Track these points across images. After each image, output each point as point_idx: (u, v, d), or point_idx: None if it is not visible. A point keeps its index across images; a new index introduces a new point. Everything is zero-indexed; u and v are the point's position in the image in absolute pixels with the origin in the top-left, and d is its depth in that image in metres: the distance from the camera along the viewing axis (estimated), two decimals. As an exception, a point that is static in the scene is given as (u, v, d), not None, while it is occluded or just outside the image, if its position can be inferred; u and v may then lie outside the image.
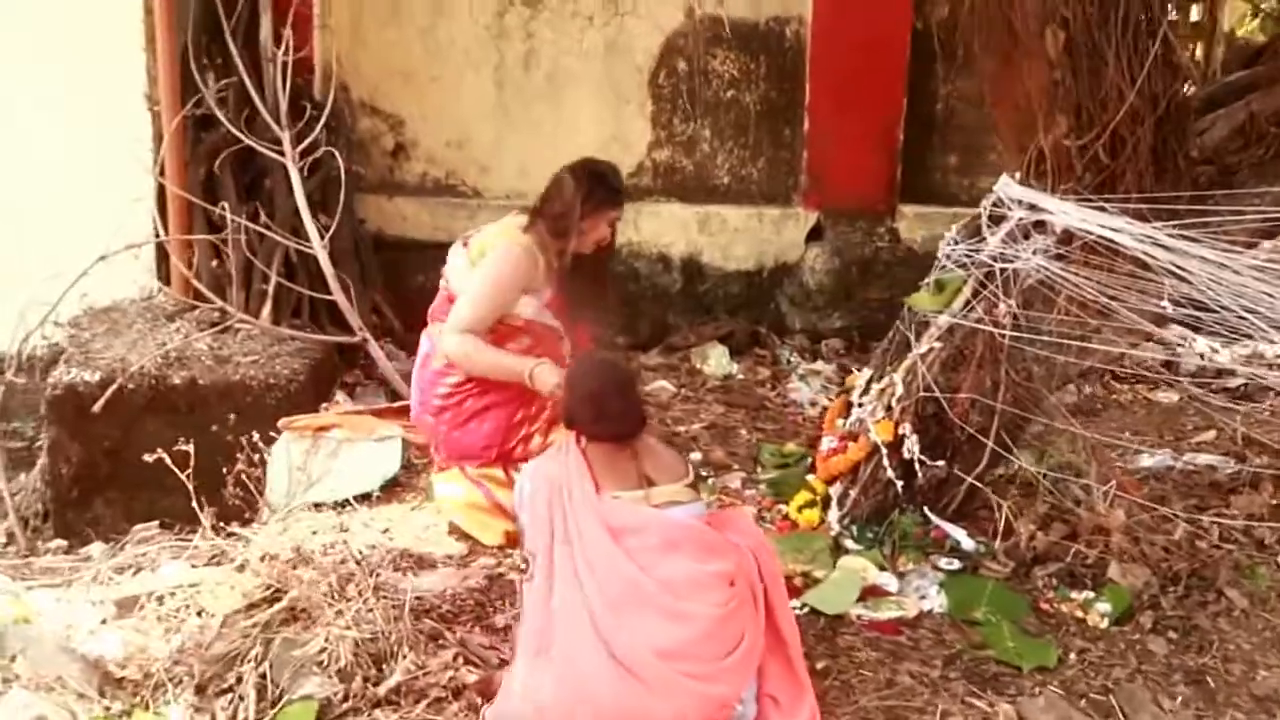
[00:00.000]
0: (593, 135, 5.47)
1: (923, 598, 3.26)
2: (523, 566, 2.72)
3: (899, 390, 3.56)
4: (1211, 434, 4.61)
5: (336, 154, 4.47)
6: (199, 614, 3.22)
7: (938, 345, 3.54)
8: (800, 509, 3.66)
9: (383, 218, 5.39)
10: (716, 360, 5.25)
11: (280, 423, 4.01)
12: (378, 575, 3.18)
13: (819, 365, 5.26)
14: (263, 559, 3.36)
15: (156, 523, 4.03)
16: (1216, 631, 3.14)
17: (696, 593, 2.52)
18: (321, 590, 3.07)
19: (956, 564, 3.41)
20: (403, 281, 5.22)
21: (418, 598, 3.11)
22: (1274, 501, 3.84)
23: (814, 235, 5.51)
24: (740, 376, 5.19)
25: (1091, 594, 3.28)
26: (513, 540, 3.41)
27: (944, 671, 2.91)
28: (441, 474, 3.72)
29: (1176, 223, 3.24)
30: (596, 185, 3.57)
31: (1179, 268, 3.24)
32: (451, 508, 3.63)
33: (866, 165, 5.43)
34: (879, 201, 5.46)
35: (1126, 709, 2.76)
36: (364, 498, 3.87)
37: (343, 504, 3.86)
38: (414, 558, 3.43)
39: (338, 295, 4.46)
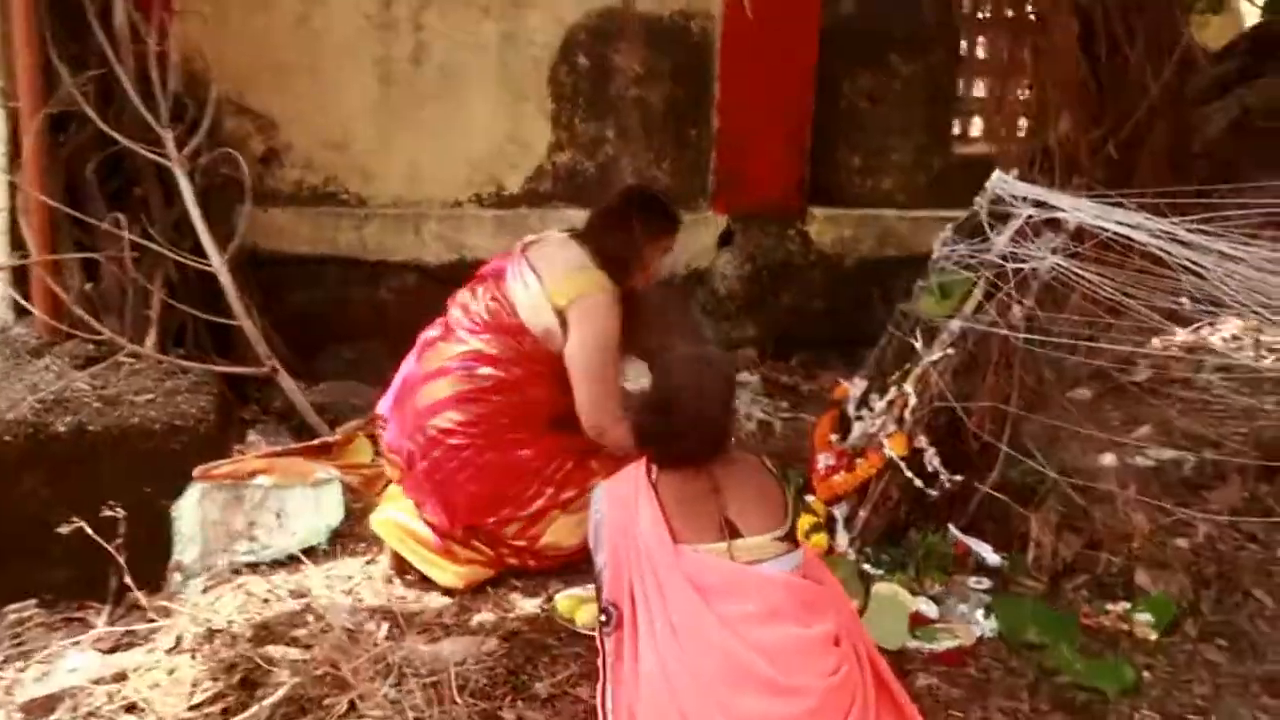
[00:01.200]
0: (488, 136, 5.05)
1: (971, 623, 3.04)
2: (603, 619, 2.32)
3: (912, 401, 3.35)
4: (1147, 428, 4.62)
5: (239, 157, 3.89)
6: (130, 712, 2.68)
7: (950, 352, 3.35)
8: (806, 534, 3.38)
9: (253, 230, 4.76)
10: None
11: (197, 471, 3.43)
12: (379, 645, 2.71)
13: (742, 376, 5.00)
14: (210, 637, 2.83)
15: (33, 601, 3.36)
16: (1259, 634, 3.06)
17: (804, 662, 2.18)
18: (316, 671, 2.58)
19: (986, 582, 3.23)
20: (279, 301, 4.65)
21: (435, 671, 2.65)
22: (1246, 493, 3.83)
23: (724, 240, 5.26)
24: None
25: (1127, 604, 3.15)
26: (471, 586, 3.09)
27: (1033, 704, 2.71)
28: (391, 498, 3.29)
29: (1193, 217, 3.14)
30: (652, 213, 3.31)
31: (1195, 263, 3.17)
32: (392, 534, 3.20)
33: (776, 166, 5.22)
34: (789, 204, 5.26)
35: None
36: (307, 553, 3.34)
37: (274, 563, 3.33)
38: (403, 620, 2.95)
39: (243, 320, 3.88)
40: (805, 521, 3.41)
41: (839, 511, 3.43)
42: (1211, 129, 3.38)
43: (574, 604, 2.97)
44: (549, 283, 3.13)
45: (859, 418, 3.52)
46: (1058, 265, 3.21)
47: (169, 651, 2.91)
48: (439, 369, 3.17)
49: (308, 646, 2.78)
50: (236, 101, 4.72)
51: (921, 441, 3.31)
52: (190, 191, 3.80)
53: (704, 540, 2.25)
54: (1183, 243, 3.16)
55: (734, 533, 2.28)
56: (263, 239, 4.72)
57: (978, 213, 3.45)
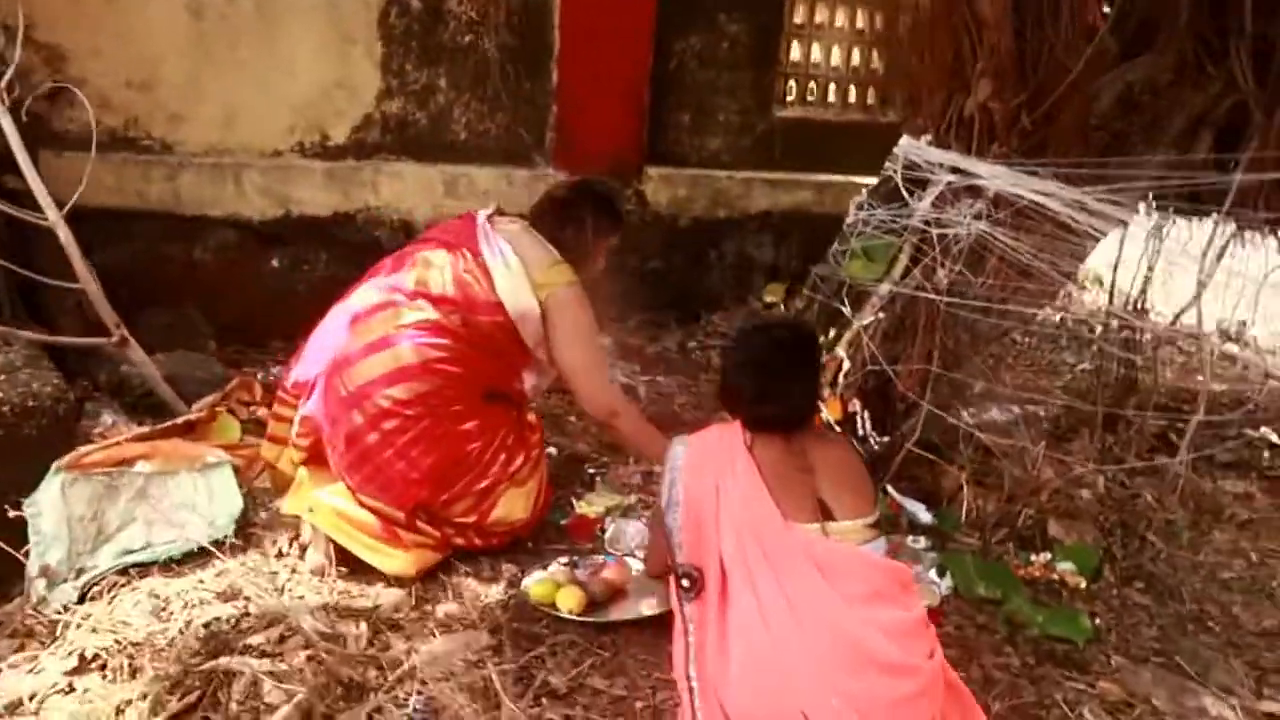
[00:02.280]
0: (313, 80, 4.60)
1: (930, 584, 3.09)
2: (685, 584, 2.20)
3: (846, 365, 3.35)
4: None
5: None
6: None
7: (881, 315, 3.37)
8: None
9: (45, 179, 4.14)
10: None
11: (65, 461, 2.93)
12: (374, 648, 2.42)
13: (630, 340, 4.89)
14: (123, 650, 2.46)
15: None
16: (1169, 576, 3.29)
17: (910, 643, 2.13)
18: (316, 681, 2.28)
19: (923, 541, 3.29)
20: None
21: (449, 673, 2.40)
22: (1098, 444, 4.11)
23: (563, 199, 5.06)
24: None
25: (1048, 555, 3.30)
26: (422, 573, 2.85)
27: (1020, 658, 2.79)
28: (325, 484, 2.95)
29: (1101, 187, 3.30)
30: (604, 211, 3.25)
31: (1099, 231, 3.37)
32: (328, 520, 2.86)
33: (616, 123, 5.07)
34: (627, 162, 5.13)
35: (1195, 668, 2.79)
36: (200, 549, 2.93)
37: (170, 562, 2.91)
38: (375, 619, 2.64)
39: (88, 282, 3.34)
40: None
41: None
42: (1103, 102, 3.55)
43: (549, 589, 2.76)
44: (534, 270, 3.00)
45: (783, 383, 3.48)
46: (984, 231, 3.28)
47: (70, 673, 2.48)
48: (383, 338, 2.87)
49: (275, 655, 2.44)
50: (16, 30, 4.03)
51: (854, 405, 3.32)
52: (15, 132, 3.22)
53: (799, 519, 2.15)
54: (1090, 210, 3.31)
55: (827, 515, 2.20)
56: (57, 189, 4.09)
57: (892, 177, 3.48)
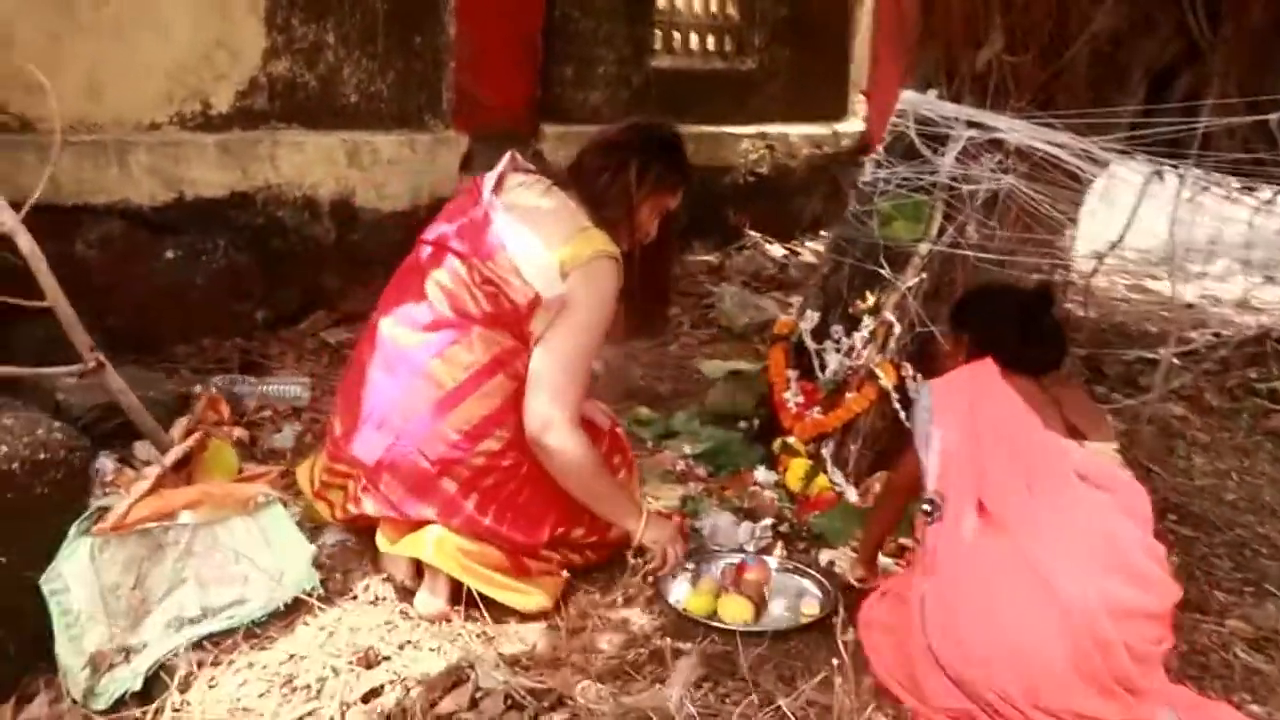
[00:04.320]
0: (191, 41, 3.97)
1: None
2: (927, 509, 2.28)
3: (897, 328, 3.28)
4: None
5: None
6: None
7: (924, 276, 3.32)
8: (803, 479, 3.20)
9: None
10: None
11: (106, 525, 2.41)
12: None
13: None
14: None
15: None
16: (1190, 504, 3.48)
17: (1158, 563, 2.23)
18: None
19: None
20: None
21: None
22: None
23: (464, 164, 4.68)
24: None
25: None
26: (555, 601, 2.54)
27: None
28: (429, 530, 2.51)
29: (1108, 137, 3.40)
30: (658, 158, 2.62)
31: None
32: (452, 561, 2.45)
33: (513, 79, 4.72)
34: (526, 120, 4.80)
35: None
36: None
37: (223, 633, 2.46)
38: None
39: (59, 300, 2.74)
40: (799, 466, 3.23)
41: (826, 451, 3.29)
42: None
43: (707, 601, 2.55)
44: (554, 246, 2.46)
45: (822, 350, 3.38)
46: (1012, 184, 3.30)
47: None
48: (452, 392, 2.45)
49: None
50: None
51: (907, 369, 3.27)
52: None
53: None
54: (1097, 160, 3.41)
55: (1078, 436, 2.32)
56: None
57: (905, 134, 3.43)
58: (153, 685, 2.36)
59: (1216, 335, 5.04)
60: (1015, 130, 3.32)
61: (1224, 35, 3.56)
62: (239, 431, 3.22)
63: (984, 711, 2.11)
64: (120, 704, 2.33)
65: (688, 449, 3.43)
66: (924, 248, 3.31)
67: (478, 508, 2.46)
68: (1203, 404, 4.34)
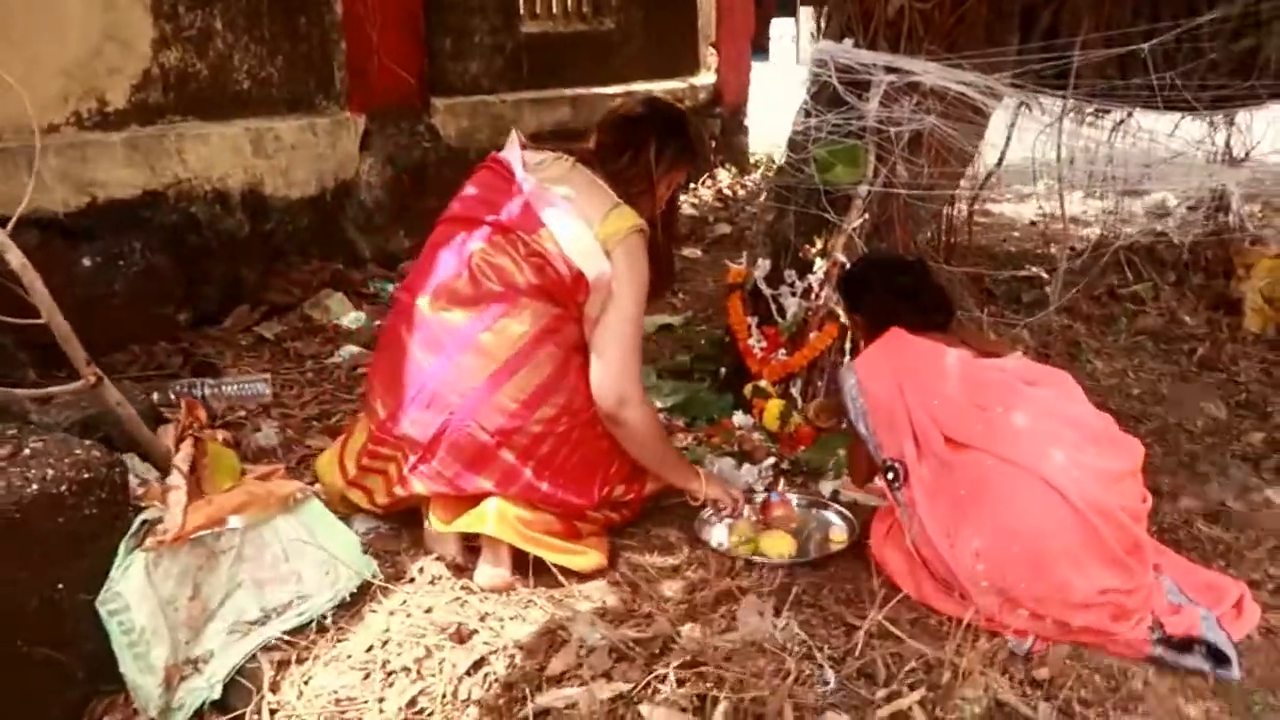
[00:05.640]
0: (81, 34, 3.79)
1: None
2: (890, 476, 2.47)
3: (848, 266, 3.49)
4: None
5: None
6: None
7: (867, 216, 3.54)
8: (779, 419, 3.39)
9: None
10: (339, 310, 4.22)
11: (164, 539, 2.37)
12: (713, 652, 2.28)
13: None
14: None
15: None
16: (1112, 403, 3.84)
17: (1120, 430, 2.53)
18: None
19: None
20: None
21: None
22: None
23: (363, 144, 4.62)
24: (379, 324, 4.23)
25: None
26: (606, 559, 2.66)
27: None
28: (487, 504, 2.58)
29: (1006, 74, 3.71)
30: (675, 135, 2.76)
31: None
32: (512, 531, 2.53)
33: (402, 54, 4.66)
34: (416, 96, 4.77)
35: (1217, 470, 3.35)
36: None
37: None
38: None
39: (52, 313, 2.63)
40: (774, 407, 3.40)
41: (794, 389, 3.48)
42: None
43: (750, 541, 2.72)
44: (595, 223, 2.56)
45: (778, 295, 3.56)
46: (936, 124, 3.56)
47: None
48: (507, 363, 2.51)
49: (586, 681, 2.21)
50: None
51: (859, 304, 3.48)
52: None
53: None
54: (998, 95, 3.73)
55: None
56: None
57: (829, 82, 3.62)
58: (230, 692, 2.34)
59: (1072, 249, 5.50)
60: (929, 73, 3.56)
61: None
62: (222, 434, 3.15)
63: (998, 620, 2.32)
64: (198, 715, 2.31)
65: (659, 404, 3.55)
66: (863, 189, 3.52)
67: (535, 474, 2.53)
68: (1081, 313, 4.75)
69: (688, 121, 2.85)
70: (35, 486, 2.25)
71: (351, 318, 4.15)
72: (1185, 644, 2.31)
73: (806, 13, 18.46)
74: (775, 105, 6.47)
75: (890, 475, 2.48)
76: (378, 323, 4.23)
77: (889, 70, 3.55)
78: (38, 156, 2.71)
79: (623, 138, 2.71)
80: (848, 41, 3.67)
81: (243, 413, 3.37)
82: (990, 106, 3.76)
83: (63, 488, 2.30)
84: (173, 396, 3.35)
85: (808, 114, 3.64)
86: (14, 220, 2.62)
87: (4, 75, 2.70)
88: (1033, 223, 6.26)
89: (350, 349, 3.88)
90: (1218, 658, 2.29)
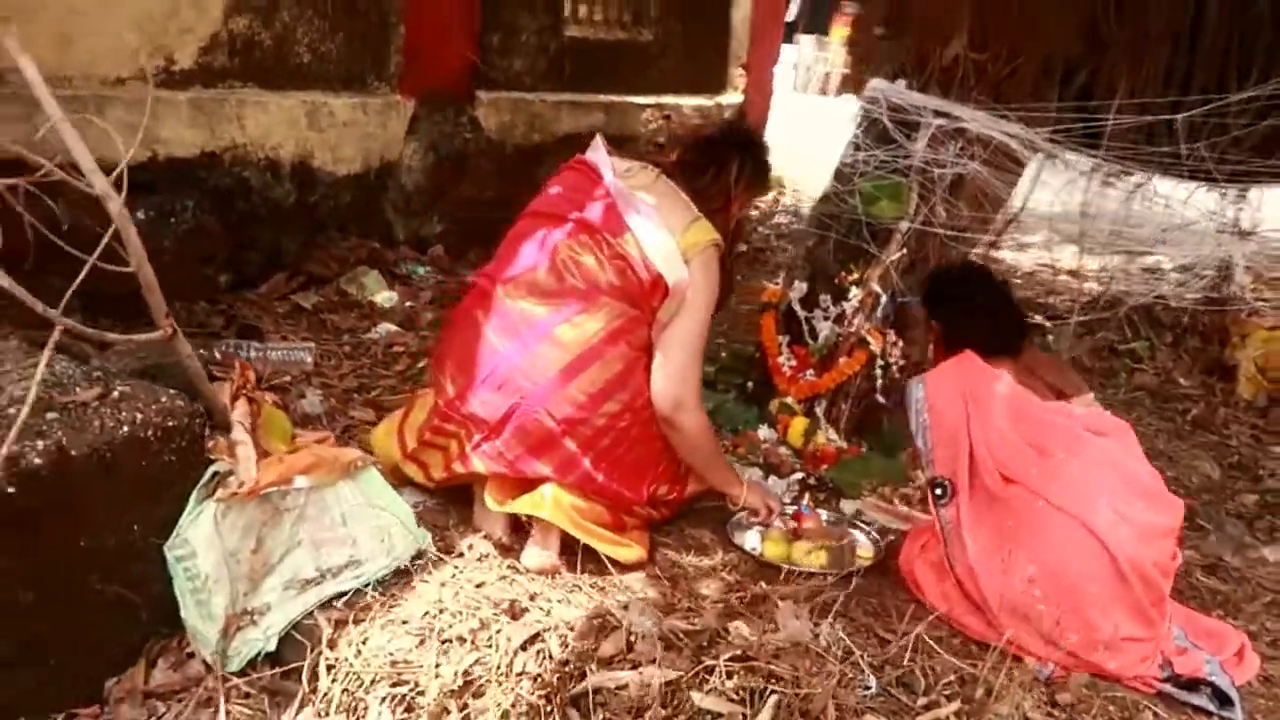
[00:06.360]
0: (155, -5, 3.87)
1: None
2: (938, 493, 2.62)
3: (884, 299, 3.63)
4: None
5: None
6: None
7: (905, 251, 3.68)
8: (803, 437, 3.52)
9: None
10: (374, 287, 4.31)
11: (240, 491, 2.46)
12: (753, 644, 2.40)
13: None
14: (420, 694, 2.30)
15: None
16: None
17: (1166, 489, 2.68)
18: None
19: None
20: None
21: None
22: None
23: (410, 128, 4.71)
24: (410, 305, 4.33)
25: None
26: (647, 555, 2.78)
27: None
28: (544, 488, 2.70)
29: (1048, 129, 3.88)
30: (752, 159, 2.95)
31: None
32: (564, 517, 2.64)
33: (456, 45, 4.77)
34: (463, 86, 4.87)
35: (1216, 527, 3.52)
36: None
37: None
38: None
39: (142, 263, 2.71)
40: (799, 424, 3.54)
41: (819, 410, 3.62)
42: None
43: (783, 548, 2.84)
44: (677, 232, 2.71)
45: (811, 318, 3.70)
46: (977, 170, 3.72)
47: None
48: (581, 357, 2.63)
49: (636, 665, 2.32)
50: None
51: (891, 335, 3.63)
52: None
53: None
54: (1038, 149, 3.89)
55: (1063, 397, 2.72)
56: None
57: (879, 119, 3.77)
58: (284, 646, 2.44)
59: (1074, 301, 5.68)
60: (976, 120, 3.71)
61: (1125, 36, 4.08)
62: (271, 396, 3.23)
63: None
64: (251, 665, 2.40)
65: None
66: (904, 225, 3.67)
67: (593, 465, 2.65)
68: (1083, 364, 4.92)
69: (766, 147, 3.01)
70: (125, 429, 2.34)
71: (384, 296, 4.24)
72: (1192, 684, 2.47)
73: (807, 40, 18.65)
74: (776, 130, 6.66)
75: (939, 491, 2.61)
76: (409, 304, 4.33)
77: (938, 114, 3.70)
78: (149, 109, 2.77)
79: (707, 156, 2.87)
80: (900, 82, 3.82)
81: (287, 379, 3.44)
82: (1027, 157, 3.91)
83: (149, 432, 2.39)
84: (218, 356, 3.42)
85: (856, 147, 3.78)
86: (116, 173, 2.68)
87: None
88: (1030, 273, 6.44)
89: (387, 326, 3.98)
90: (1221, 699, 2.44)
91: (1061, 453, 2.55)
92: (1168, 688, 2.44)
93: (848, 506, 3.22)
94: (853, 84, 19.48)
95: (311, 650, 2.39)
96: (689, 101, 6.38)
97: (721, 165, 2.89)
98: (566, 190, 2.79)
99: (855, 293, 3.63)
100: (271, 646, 2.43)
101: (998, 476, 2.54)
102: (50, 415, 2.28)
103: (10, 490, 2.06)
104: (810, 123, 9.22)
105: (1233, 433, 4.41)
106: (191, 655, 2.45)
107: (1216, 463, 4.05)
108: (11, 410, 2.23)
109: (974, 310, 2.79)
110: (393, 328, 3.99)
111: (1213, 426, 4.45)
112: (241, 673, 2.39)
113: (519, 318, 2.66)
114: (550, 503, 2.63)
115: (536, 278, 2.67)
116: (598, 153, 2.81)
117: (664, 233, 2.66)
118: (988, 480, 2.53)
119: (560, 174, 2.86)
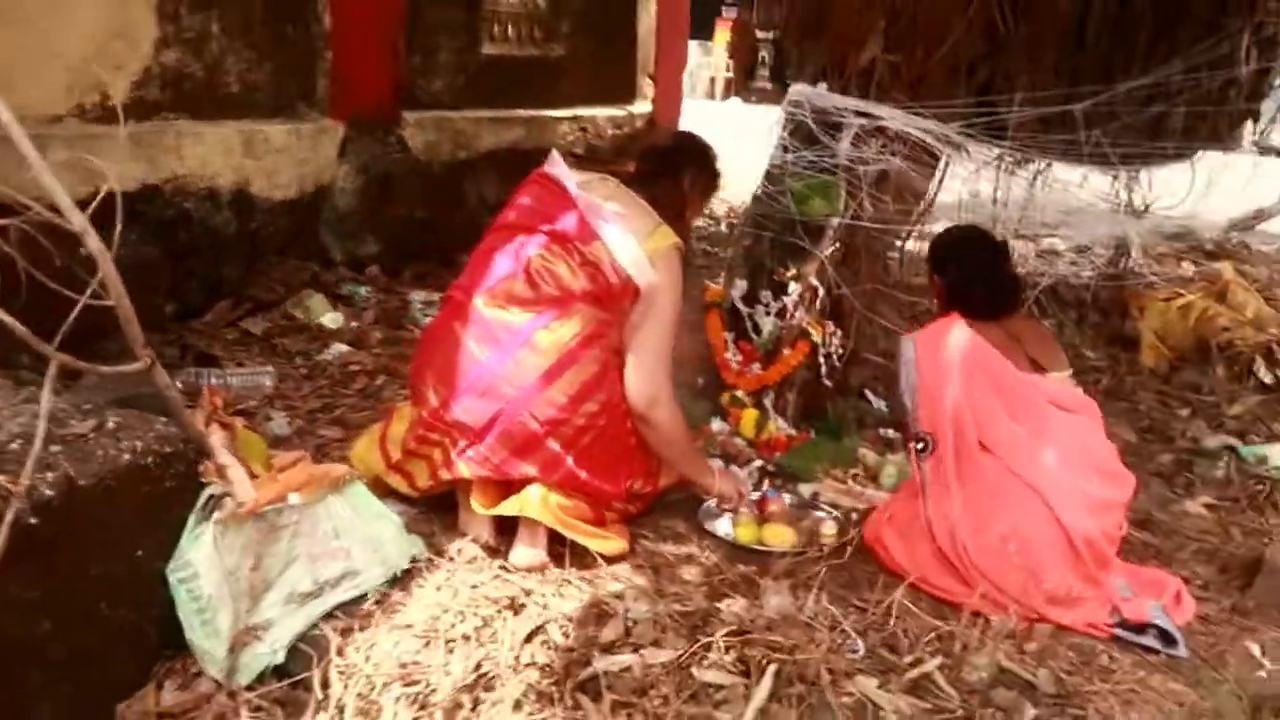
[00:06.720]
0: (92, 30, 3.89)
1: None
2: (920, 447, 2.78)
3: (821, 292, 3.82)
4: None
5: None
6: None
7: (838, 245, 3.88)
8: (754, 428, 3.70)
9: None
10: (320, 310, 4.37)
11: (242, 509, 2.54)
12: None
13: (416, 295, 4.73)
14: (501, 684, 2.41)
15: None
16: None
17: (1120, 463, 2.90)
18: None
19: (890, 433, 3.92)
20: None
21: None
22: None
23: (341, 151, 4.78)
24: (356, 325, 4.40)
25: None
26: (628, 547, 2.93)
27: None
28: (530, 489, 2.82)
29: (960, 123, 4.12)
30: (705, 164, 3.14)
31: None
32: (549, 514, 2.76)
33: (381, 67, 4.85)
34: (390, 108, 4.95)
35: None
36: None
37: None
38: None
39: (121, 297, 2.75)
40: (750, 416, 3.71)
41: (767, 401, 3.79)
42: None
43: (753, 531, 3.01)
44: (644, 236, 2.85)
45: (753, 314, 3.87)
46: (900, 165, 3.94)
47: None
48: (559, 361, 2.76)
49: (637, 648, 2.46)
50: None
51: (830, 325, 3.83)
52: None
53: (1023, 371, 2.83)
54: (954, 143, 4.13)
55: (1040, 369, 2.86)
56: None
57: (804, 121, 3.97)
58: (290, 659, 2.52)
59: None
60: (895, 118, 3.93)
61: (1022, 34, 4.36)
62: (240, 422, 3.29)
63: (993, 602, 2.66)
64: (259, 680, 2.48)
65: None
66: (835, 221, 3.87)
67: (576, 463, 2.78)
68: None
69: (716, 156, 3.20)
70: (127, 457, 2.40)
71: (330, 317, 4.30)
72: (1140, 628, 2.69)
73: (692, 46, 18.94)
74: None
75: (920, 445, 2.78)
76: (354, 324, 4.40)
77: (859, 114, 3.91)
78: (122, 134, 2.82)
79: (662, 165, 3.04)
80: (822, 86, 4.02)
81: (251, 403, 3.50)
82: (942, 151, 4.15)
83: (149, 459, 2.45)
84: (180, 385, 3.47)
85: (785, 149, 3.97)
86: (92, 206, 2.73)
87: None
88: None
89: (340, 347, 4.05)
90: (1166, 639, 2.67)
91: (1028, 424, 2.74)
92: (1119, 632, 2.66)
93: (804, 489, 3.39)
94: (738, 87, 19.92)
95: (319, 660, 2.47)
96: (603, 112, 6.54)
97: (676, 174, 3.07)
98: (533, 203, 2.92)
99: (794, 287, 3.81)
100: (280, 659, 2.49)
101: (976, 443, 2.73)
102: (54, 448, 2.33)
103: (33, 521, 2.11)
104: (707, 127, 9.45)
105: (1141, 399, 4.70)
106: (199, 674, 2.49)
107: (1131, 428, 4.33)
108: (14, 446, 2.27)
109: (970, 266, 2.96)
110: (345, 348, 4.06)
111: (1122, 394, 4.74)
112: (250, 687, 2.46)
113: (498, 326, 2.77)
114: (537, 502, 2.75)
115: (513, 287, 2.79)
116: (558, 166, 2.94)
117: (631, 238, 2.80)
118: (968, 443, 2.72)
119: (524, 187, 2.98)
